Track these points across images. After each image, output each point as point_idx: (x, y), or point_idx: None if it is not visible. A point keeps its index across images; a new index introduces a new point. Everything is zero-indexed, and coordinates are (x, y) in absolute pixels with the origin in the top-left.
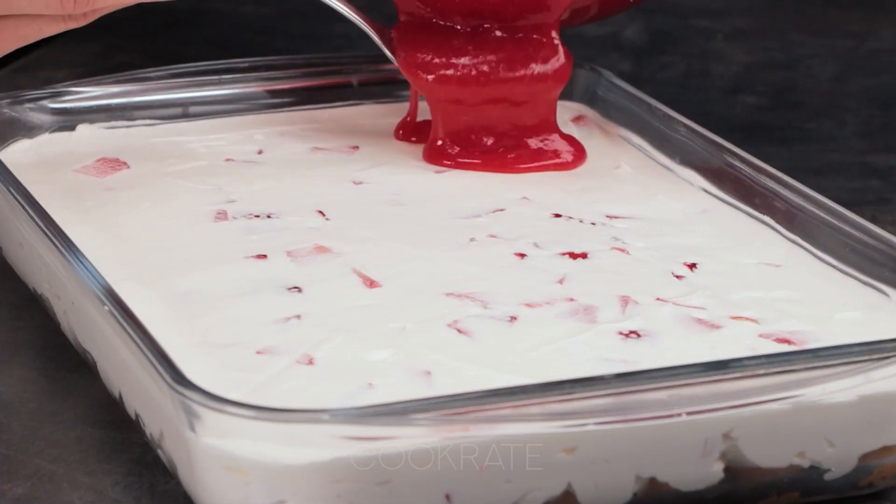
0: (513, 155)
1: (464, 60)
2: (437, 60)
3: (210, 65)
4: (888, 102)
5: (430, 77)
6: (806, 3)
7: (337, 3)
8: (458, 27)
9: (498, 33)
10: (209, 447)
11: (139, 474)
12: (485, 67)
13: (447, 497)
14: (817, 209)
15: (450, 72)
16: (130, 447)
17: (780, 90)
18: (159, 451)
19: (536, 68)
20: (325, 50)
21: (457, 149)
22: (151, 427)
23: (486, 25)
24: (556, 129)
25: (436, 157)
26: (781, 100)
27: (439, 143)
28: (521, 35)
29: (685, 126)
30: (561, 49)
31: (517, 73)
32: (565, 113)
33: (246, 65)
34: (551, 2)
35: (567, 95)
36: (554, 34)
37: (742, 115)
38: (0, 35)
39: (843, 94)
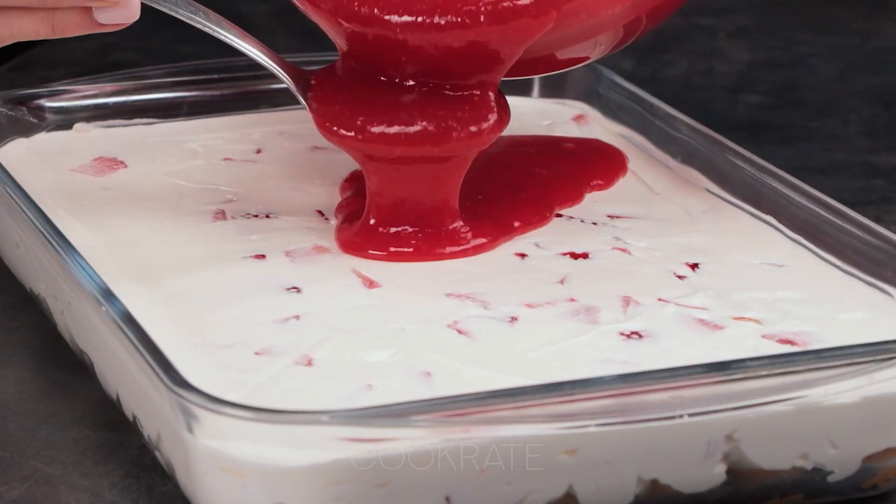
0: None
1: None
2: (358, 115)
3: (208, 63)
4: (892, 101)
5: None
6: (809, 1)
7: (244, 46)
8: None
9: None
10: (207, 449)
11: (137, 476)
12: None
13: (447, 499)
14: (820, 209)
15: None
16: (128, 449)
17: (783, 89)
18: (157, 453)
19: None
20: (325, 49)
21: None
22: (149, 428)
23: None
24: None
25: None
26: (784, 99)
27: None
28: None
29: (687, 125)
30: (493, 110)
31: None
32: (566, 112)
33: (244, 63)
34: (496, 59)
35: (568, 94)
36: (491, 94)
37: (744, 114)
38: None
39: (847, 93)
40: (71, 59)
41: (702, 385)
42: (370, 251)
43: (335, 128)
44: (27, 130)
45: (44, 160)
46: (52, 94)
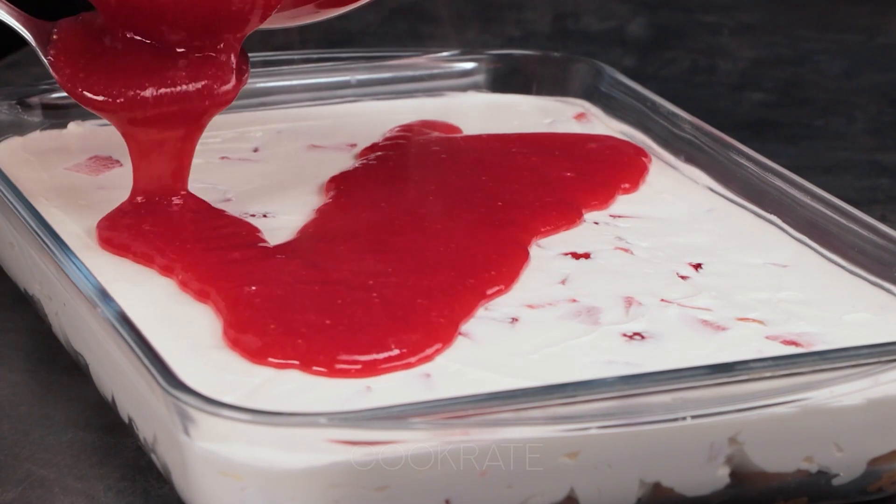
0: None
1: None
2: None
3: None
4: None
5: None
6: None
7: None
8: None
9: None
10: (204, 452)
11: (132, 479)
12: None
13: (447, 502)
14: (825, 208)
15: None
16: (123, 451)
17: (788, 86)
18: (153, 456)
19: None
20: (323, 46)
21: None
22: (145, 431)
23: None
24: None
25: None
26: (789, 96)
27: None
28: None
29: (690, 123)
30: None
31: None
32: (567, 110)
33: None
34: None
35: (569, 92)
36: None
37: (748, 112)
38: None
39: (852, 91)
40: None
41: (705, 387)
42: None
43: (80, 90)
44: (22, 129)
45: (38, 159)
46: (46, 92)
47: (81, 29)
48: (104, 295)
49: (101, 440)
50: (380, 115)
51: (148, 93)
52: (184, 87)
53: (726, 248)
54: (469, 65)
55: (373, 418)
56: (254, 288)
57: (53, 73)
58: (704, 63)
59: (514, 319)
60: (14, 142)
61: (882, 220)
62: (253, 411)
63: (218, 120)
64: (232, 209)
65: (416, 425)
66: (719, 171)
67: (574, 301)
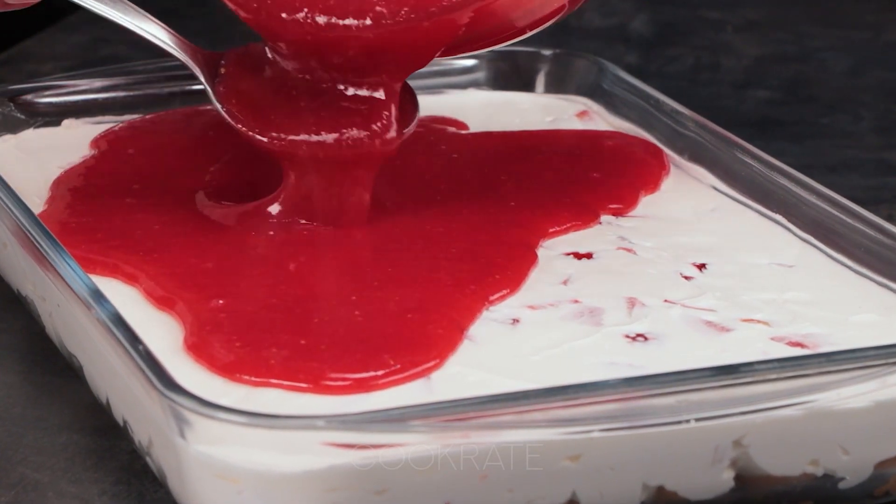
0: None
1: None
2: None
3: None
4: None
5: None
6: None
7: (141, 27)
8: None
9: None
10: (200, 455)
11: (127, 483)
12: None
13: None
14: (831, 207)
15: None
16: (118, 455)
17: (793, 84)
18: (148, 459)
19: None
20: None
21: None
22: (140, 434)
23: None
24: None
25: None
26: (794, 94)
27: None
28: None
29: (694, 121)
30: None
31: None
32: (569, 108)
33: None
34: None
35: (571, 89)
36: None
37: (753, 110)
38: None
39: (859, 88)
40: (60, 54)
41: (709, 389)
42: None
43: (243, 127)
44: (15, 126)
45: (32, 157)
46: (40, 90)
47: (248, 61)
48: (98, 296)
49: (96, 443)
50: None
51: (312, 137)
52: (350, 132)
53: (731, 248)
54: (470, 62)
55: (371, 421)
56: (221, 302)
57: (219, 107)
58: (708, 60)
59: (516, 320)
60: (7, 140)
61: (889, 219)
62: (250, 414)
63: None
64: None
65: (415, 428)
66: (723, 170)
67: (576, 302)
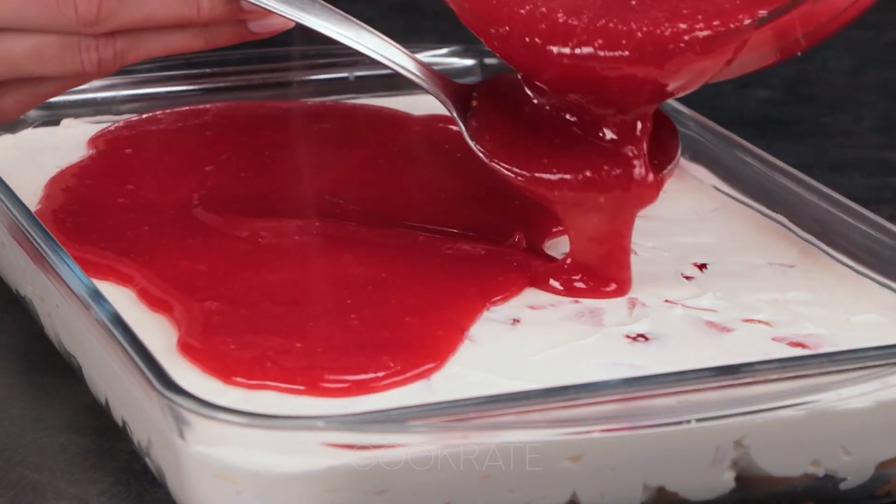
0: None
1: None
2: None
3: (200, 57)
4: None
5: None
6: None
7: (387, 58)
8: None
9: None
10: (199, 455)
11: (126, 483)
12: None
13: None
14: (833, 207)
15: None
16: (117, 455)
17: (794, 83)
18: (147, 460)
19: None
20: (321, 43)
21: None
22: (139, 434)
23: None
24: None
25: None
26: (795, 93)
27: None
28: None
29: (695, 121)
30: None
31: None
32: None
33: (238, 57)
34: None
35: None
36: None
37: (754, 110)
38: (18, 95)
39: (860, 88)
40: None
41: (710, 389)
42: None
43: (495, 166)
44: (13, 126)
45: (30, 157)
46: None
47: (501, 93)
48: (97, 296)
49: (95, 443)
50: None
51: (568, 177)
52: (601, 176)
53: (732, 248)
54: (468, 61)
55: (371, 422)
56: (214, 304)
57: (471, 143)
58: None
59: (516, 321)
60: (5, 139)
61: (890, 219)
62: (249, 414)
63: None
64: (239, 209)
65: (415, 429)
66: (725, 170)
67: (577, 302)
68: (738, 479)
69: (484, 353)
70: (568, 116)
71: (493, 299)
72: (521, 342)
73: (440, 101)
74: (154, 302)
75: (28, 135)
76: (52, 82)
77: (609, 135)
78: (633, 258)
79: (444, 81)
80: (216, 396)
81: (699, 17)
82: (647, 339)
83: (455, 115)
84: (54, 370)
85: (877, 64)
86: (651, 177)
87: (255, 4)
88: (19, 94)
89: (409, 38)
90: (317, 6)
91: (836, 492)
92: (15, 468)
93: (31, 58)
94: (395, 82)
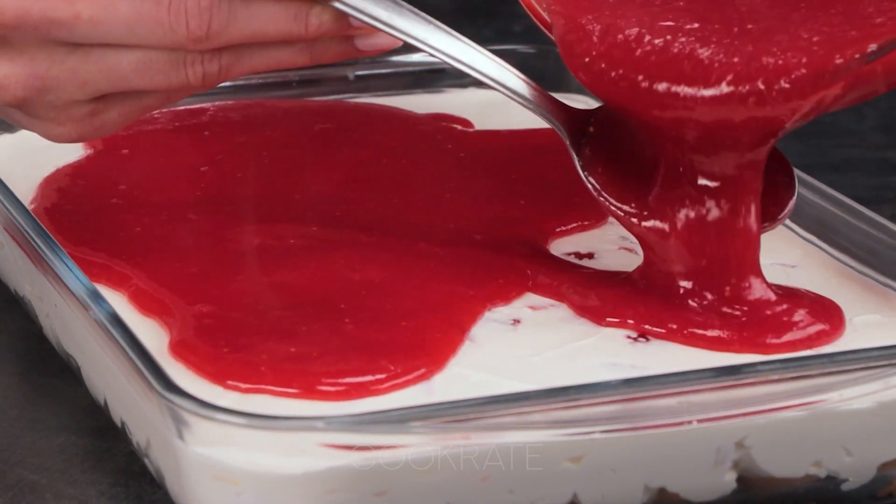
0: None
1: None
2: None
3: None
4: None
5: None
6: None
7: (497, 82)
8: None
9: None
10: (198, 456)
11: (125, 484)
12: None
13: None
14: (834, 207)
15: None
16: (116, 456)
17: None
18: (146, 461)
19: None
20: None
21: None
22: (138, 435)
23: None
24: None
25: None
26: None
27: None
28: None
29: None
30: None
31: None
32: None
33: None
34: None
35: (571, 88)
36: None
37: None
38: (121, 108)
39: None
40: None
41: (711, 390)
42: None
43: (602, 201)
44: (12, 126)
45: (29, 157)
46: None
47: (621, 121)
48: (96, 296)
49: (94, 444)
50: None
51: (667, 224)
52: (704, 229)
53: None
54: None
55: (371, 422)
56: (206, 307)
57: (581, 173)
58: None
59: (517, 321)
60: (4, 139)
61: (892, 219)
62: (248, 415)
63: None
64: (233, 211)
65: (415, 429)
66: None
67: None
68: (740, 480)
69: (484, 353)
70: (667, 157)
71: (494, 301)
72: (521, 342)
73: (554, 128)
74: (145, 304)
75: (27, 134)
76: (156, 95)
77: (704, 183)
78: (634, 258)
79: (557, 105)
80: (215, 397)
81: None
82: (647, 339)
83: (568, 142)
84: (53, 371)
85: None
86: (753, 226)
87: (364, 21)
88: (123, 106)
89: None
90: (429, 26)
91: (838, 493)
92: (13, 469)
93: (137, 72)
94: (395, 81)
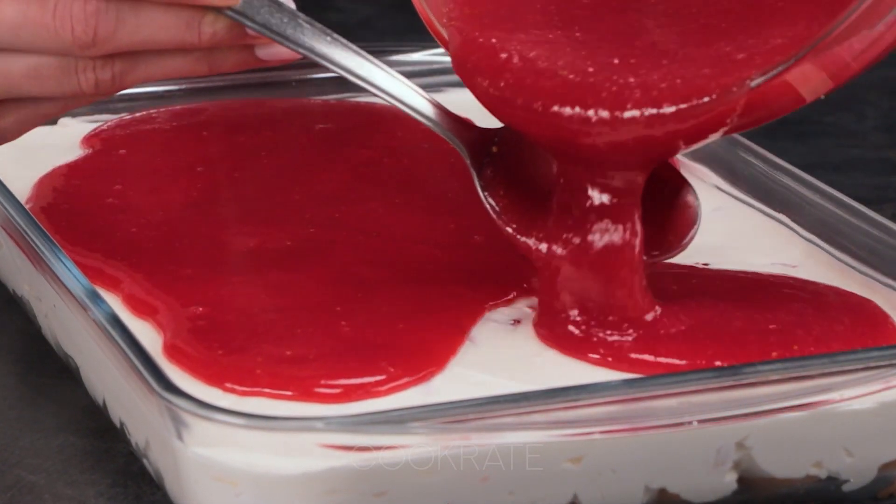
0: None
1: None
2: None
3: None
4: None
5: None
6: None
7: (389, 94)
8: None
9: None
10: (198, 457)
11: (124, 485)
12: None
13: None
14: (835, 207)
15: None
16: (115, 457)
17: None
18: (145, 461)
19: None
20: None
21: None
22: (137, 436)
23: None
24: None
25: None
26: None
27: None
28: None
29: None
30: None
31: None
32: None
33: None
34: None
35: None
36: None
37: None
38: (17, 115)
39: (863, 86)
40: None
41: (712, 390)
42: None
43: (499, 223)
44: None
45: (27, 156)
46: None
47: (523, 144)
48: (95, 296)
49: (92, 445)
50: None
51: (551, 248)
52: (592, 247)
53: (734, 248)
54: None
55: (371, 423)
56: (200, 309)
57: (481, 194)
58: None
59: (517, 321)
60: None
61: (894, 219)
62: (248, 415)
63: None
64: (229, 212)
65: (415, 430)
66: (727, 169)
67: None
68: (741, 480)
69: (484, 353)
70: (562, 177)
71: (494, 303)
72: (521, 342)
73: (455, 146)
74: (138, 306)
75: (25, 133)
76: (52, 102)
77: (598, 201)
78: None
79: (460, 124)
80: (215, 397)
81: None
82: None
83: (469, 162)
84: (51, 371)
85: (880, 62)
86: (637, 249)
87: (258, 31)
88: (19, 113)
89: (408, 36)
90: (325, 39)
91: (839, 493)
92: (12, 470)
93: (28, 77)
94: None
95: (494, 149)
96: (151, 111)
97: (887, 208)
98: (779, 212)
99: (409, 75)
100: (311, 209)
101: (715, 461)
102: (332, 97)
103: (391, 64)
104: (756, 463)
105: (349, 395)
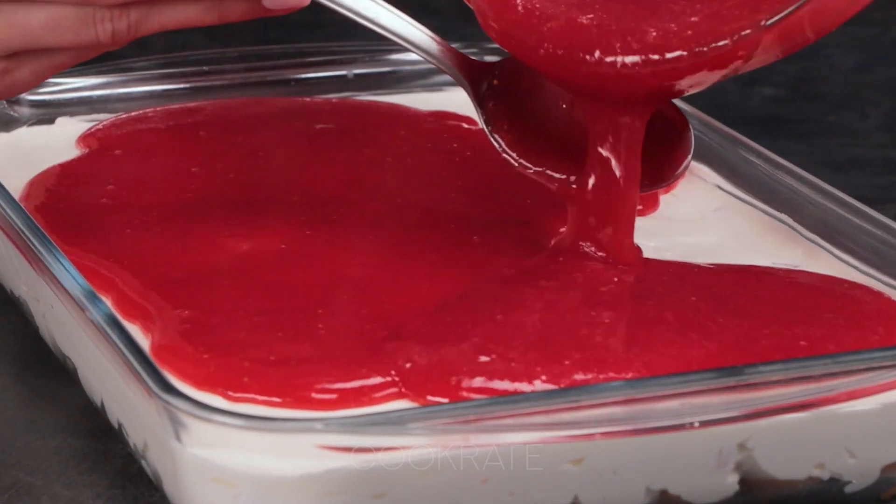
0: None
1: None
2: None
3: (198, 54)
4: None
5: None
6: None
7: (393, 31)
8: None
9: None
10: (196, 458)
11: (122, 486)
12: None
13: None
14: (838, 207)
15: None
16: (113, 458)
17: (799, 81)
18: (143, 462)
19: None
20: (319, 39)
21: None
22: (135, 437)
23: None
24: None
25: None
26: (800, 91)
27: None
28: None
29: (698, 119)
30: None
31: None
32: None
33: (236, 54)
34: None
35: None
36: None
37: (759, 108)
38: (33, 66)
39: (865, 86)
40: None
41: (713, 391)
42: None
43: (506, 157)
44: (7, 125)
45: (25, 156)
46: (34, 87)
47: (527, 74)
48: (93, 297)
49: (90, 446)
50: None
51: (555, 175)
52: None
53: (735, 248)
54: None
55: (370, 424)
56: (187, 312)
57: (485, 128)
58: None
59: None
60: (0, 138)
61: None
62: (246, 416)
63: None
64: (224, 214)
65: (414, 431)
66: (728, 169)
67: None
68: (742, 482)
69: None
70: (568, 108)
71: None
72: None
73: (456, 81)
74: (126, 308)
75: (23, 133)
76: (67, 53)
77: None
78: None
79: (461, 59)
80: (213, 398)
81: (703, 22)
82: None
83: (471, 97)
84: (49, 372)
85: (882, 61)
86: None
87: None
88: (35, 64)
89: None
90: None
91: (841, 495)
92: (9, 471)
93: (46, 28)
94: (395, 80)
95: (495, 81)
96: (148, 110)
97: (890, 208)
98: (780, 211)
99: (410, 75)
100: (308, 211)
101: (717, 463)
102: (332, 97)
103: (392, 62)
104: (758, 464)
105: (346, 401)
